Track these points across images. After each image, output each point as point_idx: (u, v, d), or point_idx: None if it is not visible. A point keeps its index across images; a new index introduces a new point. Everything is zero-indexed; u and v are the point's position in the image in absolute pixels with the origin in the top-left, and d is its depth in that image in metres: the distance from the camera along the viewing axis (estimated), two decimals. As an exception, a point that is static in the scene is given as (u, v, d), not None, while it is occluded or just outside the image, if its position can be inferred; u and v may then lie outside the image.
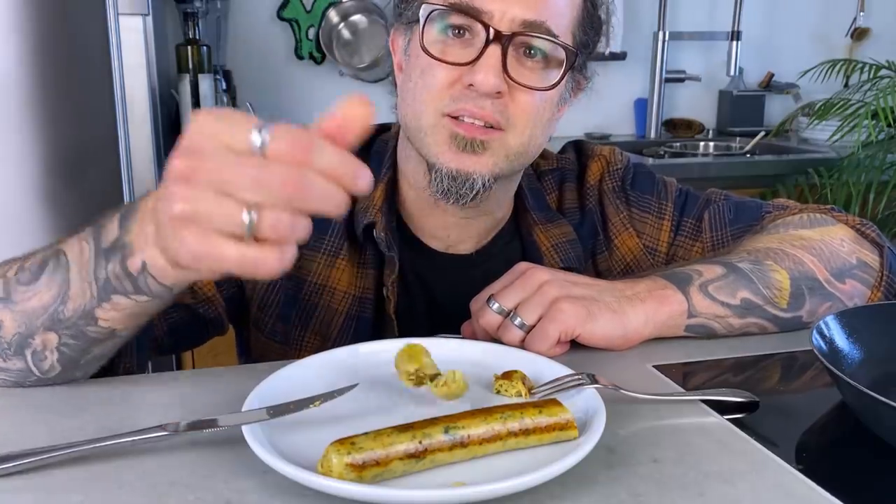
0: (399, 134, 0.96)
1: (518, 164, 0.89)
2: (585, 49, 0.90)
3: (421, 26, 0.84)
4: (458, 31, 0.84)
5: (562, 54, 0.85)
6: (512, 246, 0.99)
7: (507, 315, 0.78)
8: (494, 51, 0.81)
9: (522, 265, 0.82)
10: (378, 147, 0.98)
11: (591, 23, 0.89)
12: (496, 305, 0.79)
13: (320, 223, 0.91)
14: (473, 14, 0.82)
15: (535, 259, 0.94)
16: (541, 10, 0.82)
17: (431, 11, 0.83)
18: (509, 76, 0.82)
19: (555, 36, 0.83)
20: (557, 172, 1.03)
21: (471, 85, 0.82)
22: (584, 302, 0.78)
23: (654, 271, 0.88)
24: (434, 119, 0.84)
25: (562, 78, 0.86)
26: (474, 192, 0.85)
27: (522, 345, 0.77)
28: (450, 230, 0.96)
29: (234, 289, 0.93)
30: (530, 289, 0.78)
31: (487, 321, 0.79)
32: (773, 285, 0.85)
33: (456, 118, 0.84)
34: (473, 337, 0.82)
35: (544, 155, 1.03)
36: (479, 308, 0.80)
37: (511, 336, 0.78)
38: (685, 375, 0.76)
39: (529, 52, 0.84)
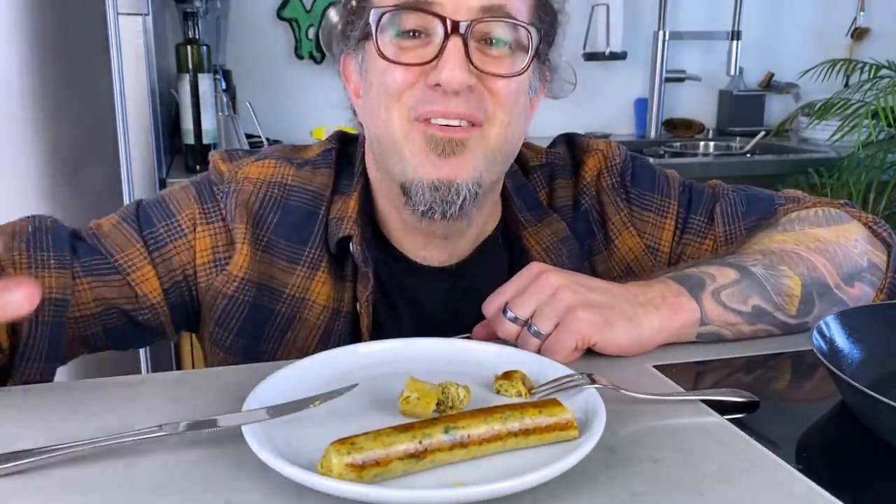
0: (366, 146, 0.92)
1: (498, 165, 0.85)
2: (545, 37, 0.85)
3: (374, 33, 0.80)
4: (414, 34, 0.79)
5: (525, 38, 0.81)
6: (498, 255, 0.94)
7: (524, 324, 0.76)
8: (455, 44, 0.77)
9: (535, 267, 0.78)
10: (347, 155, 0.94)
11: (546, 10, 0.86)
12: (512, 315, 0.76)
13: (300, 234, 0.89)
14: (426, 8, 0.77)
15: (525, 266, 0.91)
16: None
17: (382, 15, 0.79)
18: (476, 67, 0.78)
19: (514, 18, 0.79)
20: (547, 168, 0.98)
21: (437, 85, 0.77)
22: (600, 310, 0.75)
23: (665, 272, 0.85)
24: (405, 125, 0.80)
25: (531, 61, 0.82)
26: (461, 200, 0.80)
27: (539, 352, 0.75)
28: (427, 246, 0.91)
29: (186, 297, 0.88)
30: (545, 295, 0.75)
31: (505, 331, 0.77)
32: (784, 292, 0.83)
33: (427, 122, 0.79)
34: (486, 339, 0.80)
35: (532, 149, 0.99)
36: (495, 316, 0.78)
37: (529, 347, 0.76)
38: (685, 375, 0.75)
39: (491, 42, 0.80)
